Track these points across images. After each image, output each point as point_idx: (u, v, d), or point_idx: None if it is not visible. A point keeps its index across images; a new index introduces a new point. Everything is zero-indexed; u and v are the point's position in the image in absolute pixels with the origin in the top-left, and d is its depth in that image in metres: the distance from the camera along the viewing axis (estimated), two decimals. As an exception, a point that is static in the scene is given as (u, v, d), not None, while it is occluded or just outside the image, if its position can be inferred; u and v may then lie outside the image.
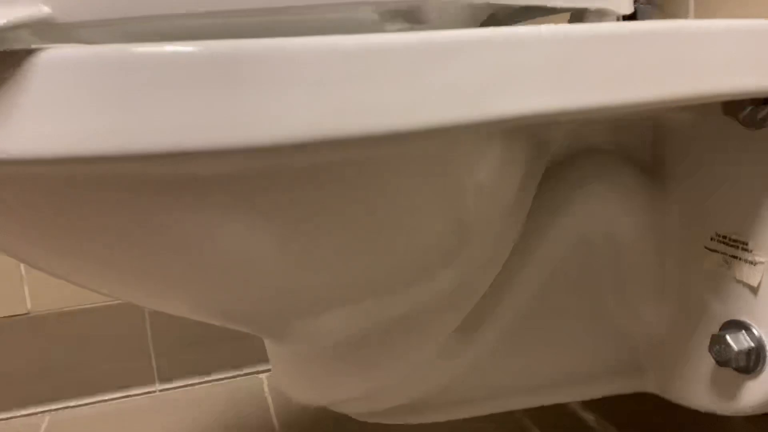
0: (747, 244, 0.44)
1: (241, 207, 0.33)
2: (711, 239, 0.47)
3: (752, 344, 0.44)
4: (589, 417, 0.73)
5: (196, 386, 0.92)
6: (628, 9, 0.44)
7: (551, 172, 0.51)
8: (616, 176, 0.51)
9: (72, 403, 0.87)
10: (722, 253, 0.46)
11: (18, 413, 0.85)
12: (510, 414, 0.78)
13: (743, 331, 0.45)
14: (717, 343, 0.45)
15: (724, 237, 0.46)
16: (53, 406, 0.86)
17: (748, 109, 0.41)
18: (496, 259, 0.45)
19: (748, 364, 0.44)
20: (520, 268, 0.51)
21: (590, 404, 0.73)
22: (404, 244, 0.39)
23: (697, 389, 0.50)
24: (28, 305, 0.84)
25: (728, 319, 0.46)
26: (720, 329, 0.47)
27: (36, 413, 0.85)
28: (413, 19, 0.32)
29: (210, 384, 0.92)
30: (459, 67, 0.28)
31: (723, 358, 0.45)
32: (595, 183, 0.51)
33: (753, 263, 0.44)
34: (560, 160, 0.51)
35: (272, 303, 0.41)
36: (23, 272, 0.84)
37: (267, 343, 0.47)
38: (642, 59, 0.32)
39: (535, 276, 0.51)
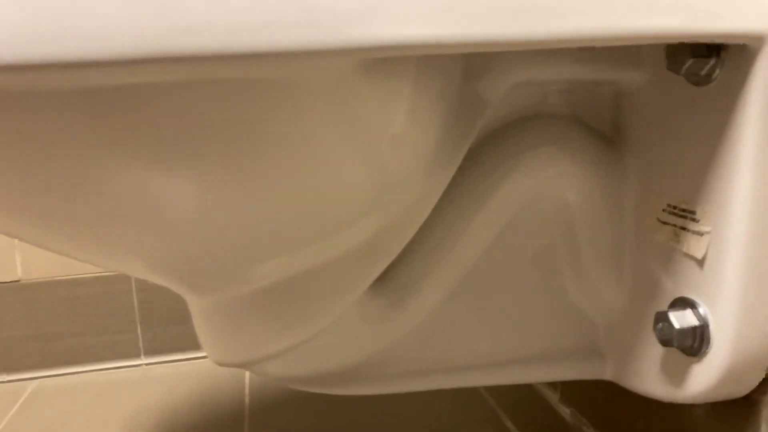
0: (695, 213, 0.41)
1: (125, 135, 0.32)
2: (663, 210, 0.44)
3: (696, 322, 0.40)
4: (564, 411, 0.69)
5: (181, 362, 0.92)
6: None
7: (499, 134, 0.48)
8: (569, 140, 0.48)
9: (57, 372, 0.88)
10: (673, 225, 0.43)
11: (3, 379, 0.87)
12: (483, 406, 0.75)
13: (689, 309, 0.41)
14: (660, 320, 0.42)
15: (675, 207, 0.43)
16: (38, 374, 0.88)
17: (690, 62, 0.37)
18: (416, 211, 0.43)
19: (692, 344, 0.40)
20: (461, 230, 0.48)
21: (566, 398, 0.69)
22: (312, 186, 0.37)
23: (647, 374, 0.46)
24: (19, 273, 0.86)
25: (677, 296, 0.43)
26: (668, 308, 0.43)
27: (21, 380, 0.87)
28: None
29: (195, 361, 0.92)
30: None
31: (665, 336, 0.41)
32: (546, 146, 0.48)
33: (699, 234, 0.40)
34: (510, 123, 0.48)
35: (183, 245, 0.40)
36: (16, 240, 0.86)
37: (189, 304, 0.46)
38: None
39: (478, 241, 0.48)
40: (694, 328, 0.40)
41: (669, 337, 0.41)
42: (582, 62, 0.45)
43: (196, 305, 0.45)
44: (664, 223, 0.44)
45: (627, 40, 0.32)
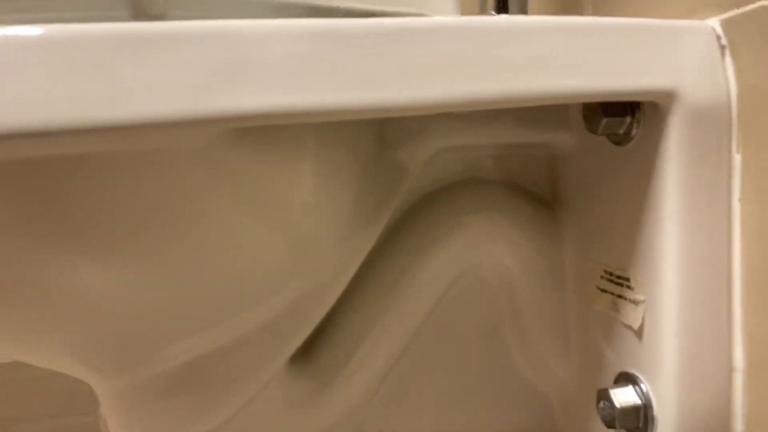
0: (629, 281, 0.38)
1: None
2: (601, 277, 0.41)
3: (638, 401, 0.37)
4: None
5: None
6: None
7: (431, 199, 0.46)
8: (506, 205, 0.46)
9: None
10: (611, 293, 0.40)
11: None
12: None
13: (631, 386, 0.38)
14: (602, 398, 0.38)
15: (611, 274, 0.40)
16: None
17: (604, 121, 0.36)
18: (335, 279, 0.40)
19: (637, 425, 0.37)
20: (393, 302, 0.45)
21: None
22: (221, 261, 0.35)
23: (599, 458, 0.42)
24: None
25: (621, 370, 0.39)
26: (613, 383, 0.40)
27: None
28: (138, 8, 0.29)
29: None
30: (173, 61, 0.25)
31: (607, 416, 0.37)
32: (482, 211, 0.45)
33: (635, 303, 0.37)
34: (442, 188, 0.46)
35: (90, 328, 0.38)
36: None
37: (97, 391, 0.43)
38: (414, 56, 0.28)
39: (412, 313, 0.45)
40: (636, 408, 0.37)
41: (611, 417, 0.37)
42: (507, 126, 0.44)
43: (104, 391, 0.42)
44: (603, 290, 0.41)
45: (525, 101, 0.30)
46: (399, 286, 0.44)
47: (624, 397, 0.37)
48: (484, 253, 0.46)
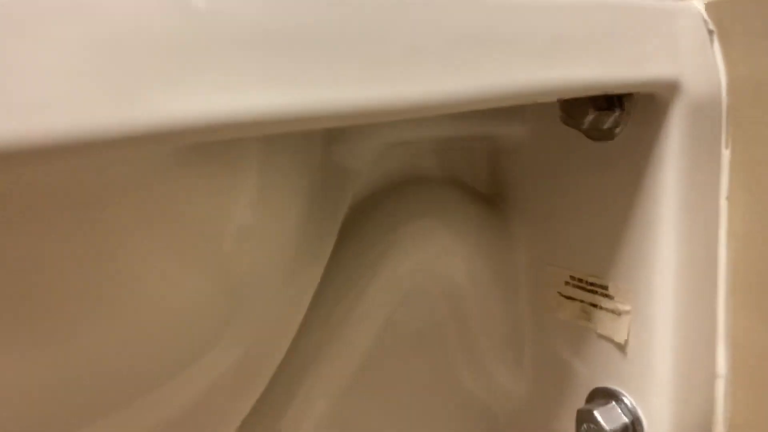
0: (607, 289, 0.35)
1: None
2: (566, 284, 0.37)
3: (626, 419, 0.34)
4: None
5: None
6: None
7: (373, 205, 0.39)
8: (447, 210, 0.40)
9: None
10: (580, 300, 0.36)
11: None
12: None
13: (614, 403, 0.35)
14: (585, 420, 0.35)
15: (581, 281, 0.36)
16: None
17: (592, 116, 0.31)
18: (284, 325, 0.32)
19: (625, 445, 0.34)
20: (337, 331, 0.38)
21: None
22: (143, 318, 0.25)
23: (567, 477, 0.39)
24: None
25: (595, 386, 0.36)
26: (586, 400, 0.36)
27: None
28: None
29: None
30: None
31: (593, 440, 0.34)
32: (423, 218, 0.40)
33: (616, 313, 0.34)
34: (384, 190, 0.39)
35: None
36: None
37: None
38: (425, 34, 0.21)
39: (360, 340, 0.38)
40: (625, 427, 0.34)
41: (598, 441, 0.34)
42: (454, 117, 0.38)
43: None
44: (569, 298, 0.37)
45: (518, 98, 0.24)
46: (342, 315, 0.37)
47: (611, 417, 0.34)
48: (427, 265, 0.40)
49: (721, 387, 0.34)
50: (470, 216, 0.41)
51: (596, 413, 0.34)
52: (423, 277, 0.41)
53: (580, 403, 0.37)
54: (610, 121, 0.32)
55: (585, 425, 0.34)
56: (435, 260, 0.40)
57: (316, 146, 0.30)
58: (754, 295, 0.32)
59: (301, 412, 0.37)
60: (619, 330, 0.34)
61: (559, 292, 0.38)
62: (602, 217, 0.34)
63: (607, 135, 0.33)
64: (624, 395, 0.34)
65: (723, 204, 0.32)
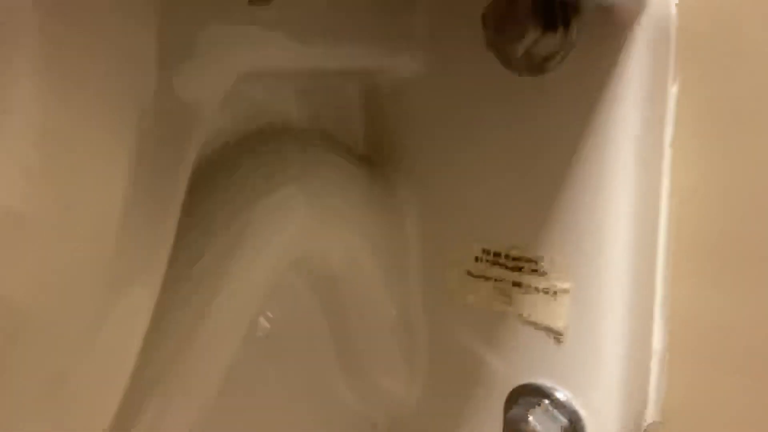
0: (537, 263, 0.28)
1: None
2: (477, 260, 0.30)
3: (565, 420, 0.28)
4: None
5: None
6: None
7: (219, 169, 0.27)
8: (315, 176, 0.30)
9: None
10: (496, 280, 0.29)
11: None
12: None
13: (547, 402, 0.28)
14: (516, 428, 0.28)
15: (497, 255, 0.29)
16: None
17: (531, 37, 0.24)
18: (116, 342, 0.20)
19: (563, 450, 0.28)
20: (187, 345, 0.26)
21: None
22: None
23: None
24: None
25: (518, 384, 0.29)
26: (506, 403, 0.30)
27: None
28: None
29: None
30: None
31: (530, 452, 0.27)
32: (283, 187, 0.29)
33: (551, 293, 0.27)
34: (238, 144, 0.28)
35: None
36: None
37: None
38: None
39: (218, 351, 0.27)
40: (565, 429, 0.28)
41: (535, 452, 0.27)
42: (327, 42, 0.28)
43: None
44: (480, 277, 0.30)
45: None
46: (191, 323, 0.25)
47: (548, 419, 0.27)
48: (290, 249, 0.30)
49: (655, 365, 0.29)
50: (344, 181, 0.31)
51: (531, 420, 0.27)
52: (288, 266, 0.30)
53: (498, 407, 0.30)
54: (552, 45, 0.24)
55: (517, 435, 0.28)
56: (301, 243, 0.30)
57: (149, 66, 0.18)
58: (697, 259, 0.27)
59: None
60: (555, 313, 0.27)
61: (468, 272, 0.30)
62: (528, 175, 0.27)
63: (540, 67, 0.25)
64: (557, 390, 0.28)
65: (667, 152, 0.27)
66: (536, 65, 0.25)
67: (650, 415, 0.30)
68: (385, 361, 0.34)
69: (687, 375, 0.29)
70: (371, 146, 0.32)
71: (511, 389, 0.29)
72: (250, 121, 0.27)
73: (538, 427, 0.27)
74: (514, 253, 0.28)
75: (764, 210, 0.25)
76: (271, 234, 0.28)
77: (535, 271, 0.28)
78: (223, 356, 0.26)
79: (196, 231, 0.24)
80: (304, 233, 0.30)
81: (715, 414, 0.28)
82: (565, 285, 0.27)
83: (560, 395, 0.28)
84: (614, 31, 0.23)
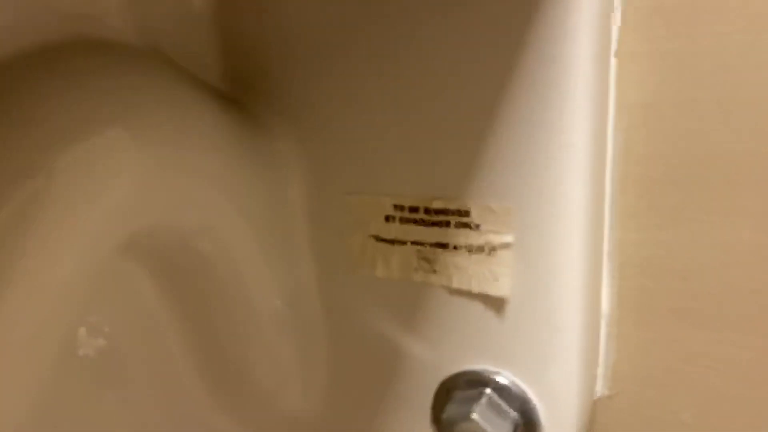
0: (468, 215, 0.21)
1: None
2: (387, 219, 0.23)
3: (514, 413, 0.22)
4: None
5: None
6: None
7: (29, 87, 0.17)
8: (151, 110, 0.21)
9: None
10: (414, 243, 0.23)
11: None
12: None
13: (488, 392, 0.22)
14: (454, 429, 0.22)
15: (415, 210, 0.22)
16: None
17: None
18: None
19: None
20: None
21: None
22: None
23: None
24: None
25: (449, 374, 0.23)
26: (434, 399, 0.23)
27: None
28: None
29: None
30: None
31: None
32: (106, 127, 0.20)
33: (487, 251, 0.21)
34: (30, 65, 0.18)
35: None
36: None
37: None
38: None
39: (9, 365, 0.17)
40: (516, 424, 0.22)
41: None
42: None
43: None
44: (392, 242, 0.23)
45: None
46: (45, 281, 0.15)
47: (494, 414, 0.21)
48: (119, 221, 0.21)
49: (603, 329, 0.25)
50: (196, 124, 0.23)
51: (476, 416, 0.21)
52: (116, 248, 0.21)
53: (425, 405, 0.23)
54: None
55: (459, 437, 0.21)
56: (134, 211, 0.21)
57: None
58: (646, 198, 0.23)
59: None
60: (494, 276, 0.21)
61: (375, 236, 0.23)
62: (449, 104, 0.20)
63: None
64: (499, 375, 0.22)
65: (612, 63, 0.22)
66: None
67: (599, 388, 0.25)
68: (268, 370, 0.26)
69: (637, 335, 0.24)
70: (233, 78, 0.24)
71: (439, 382, 0.23)
72: (50, 26, 0.17)
73: (480, 421, 0.21)
74: (436, 205, 0.22)
75: (731, 124, 0.20)
76: (85, 199, 0.18)
77: (464, 225, 0.21)
78: (18, 393, 0.17)
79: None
80: (138, 196, 0.21)
81: (674, 377, 0.24)
82: (506, 238, 0.21)
83: (503, 380, 0.22)
84: None
